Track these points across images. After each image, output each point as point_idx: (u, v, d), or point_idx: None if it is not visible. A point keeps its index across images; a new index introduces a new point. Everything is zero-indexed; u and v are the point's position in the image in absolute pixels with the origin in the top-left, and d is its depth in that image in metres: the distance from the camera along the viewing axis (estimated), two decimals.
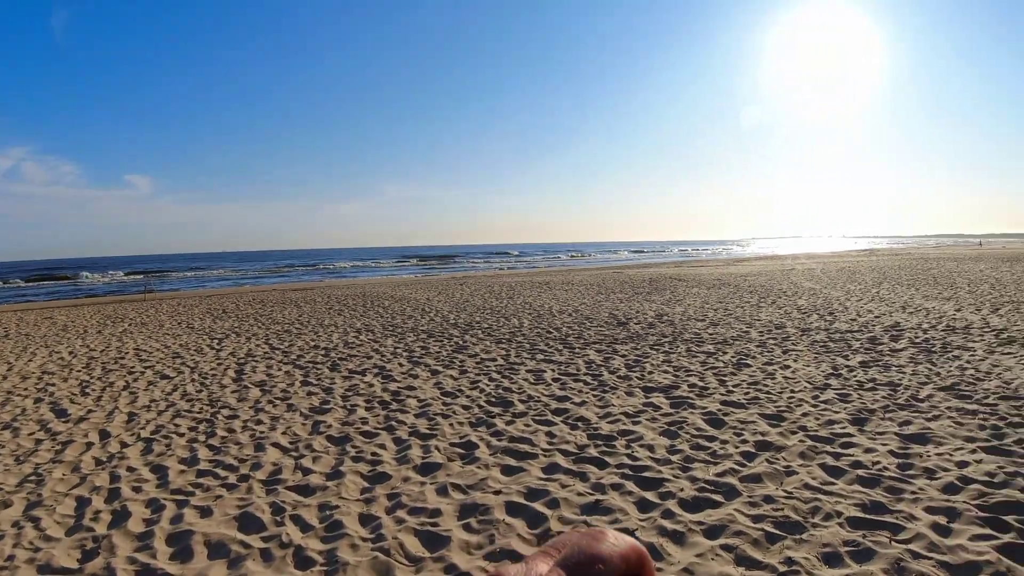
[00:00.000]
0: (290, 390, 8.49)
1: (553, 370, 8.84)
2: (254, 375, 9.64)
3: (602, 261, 66.32)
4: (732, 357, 9.23)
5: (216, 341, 13.23)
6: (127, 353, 12.03)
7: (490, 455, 5.59)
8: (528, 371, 8.86)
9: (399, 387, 8.33)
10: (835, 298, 16.88)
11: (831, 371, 8.11)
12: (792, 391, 7.20)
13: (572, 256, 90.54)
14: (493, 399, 7.46)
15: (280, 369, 10.02)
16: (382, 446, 6.05)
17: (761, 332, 11.39)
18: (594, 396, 7.35)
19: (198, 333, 14.65)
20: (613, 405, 6.91)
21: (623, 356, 9.61)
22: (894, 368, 8.14)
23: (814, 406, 6.58)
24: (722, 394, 7.18)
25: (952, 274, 24.50)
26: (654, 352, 9.86)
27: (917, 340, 10.02)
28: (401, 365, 9.76)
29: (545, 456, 5.45)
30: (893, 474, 4.69)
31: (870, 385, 7.32)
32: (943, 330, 10.91)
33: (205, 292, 32.09)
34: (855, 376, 7.79)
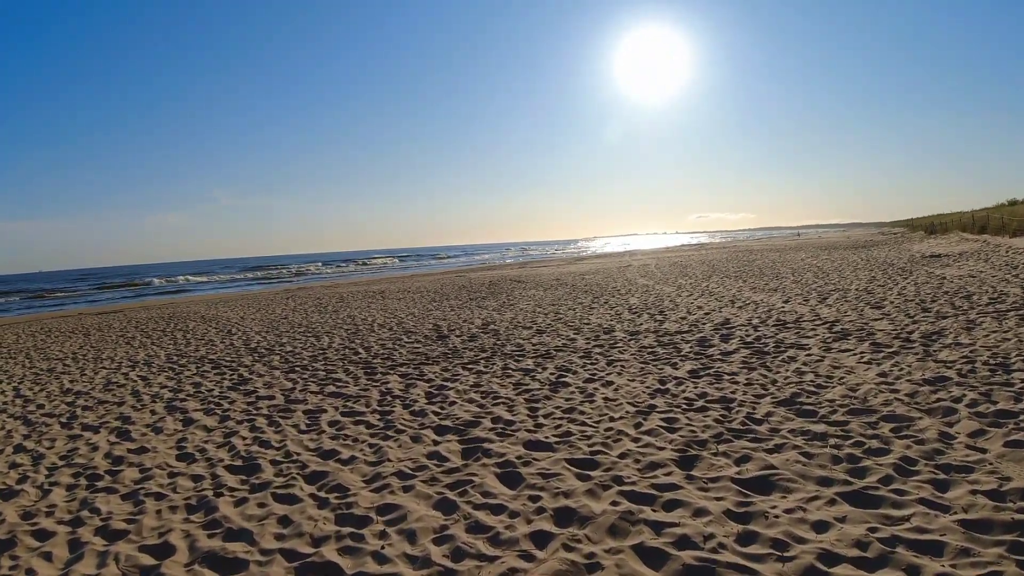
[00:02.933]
0: None
1: (337, 408, 7.03)
2: None
3: (453, 264, 64.58)
4: (551, 374, 7.79)
5: None
6: None
7: (184, 568, 3.75)
8: (305, 412, 7.00)
9: (129, 449, 6.23)
10: (666, 294, 16.10)
11: (658, 386, 6.81)
12: (612, 418, 5.78)
13: (438, 259, 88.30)
14: (239, 461, 5.55)
15: (2, 428, 7.64)
16: (47, 556, 4.06)
17: (588, 339, 10.09)
18: (371, 446, 5.60)
19: None
20: (389, 460, 5.18)
21: (428, 381, 7.94)
22: (726, 377, 6.97)
23: (635, 440, 5.17)
24: (529, 430, 5.65)
25: (776, 264, 24.81)
26: (465, 373, 8.27)
27: (748, 339, 9.03)
28: (153, 413, 7.62)
29: (260, 564, 3.66)
30: (732, 558, 3.27)
31: (700, 403, 6.03)
32: (774, 325, 10.05)
33: None
34: (684, 391, 6.52)
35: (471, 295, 20.07)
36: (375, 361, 9.58)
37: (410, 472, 4.86)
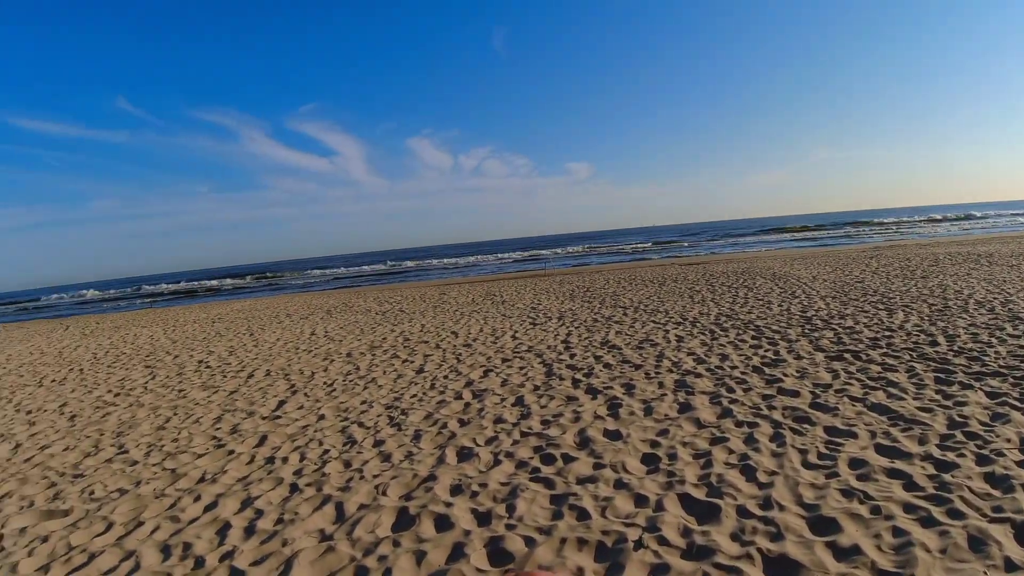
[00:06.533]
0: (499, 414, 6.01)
1: (874, 434, 4.60)
2: (496, 376, 7.45)
3: None
4: None
5: (513, 321, 11.28)
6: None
7: None
8: (826, 429, 4.78)
9: (606, 430, 5.17)
10: None
11: None
12: None
13: None
14: (703, 490, 3.87)
15: (509, 384, 7.60)
16: None
17: None
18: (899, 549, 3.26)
19: (491, 313, 12.92)
20: None
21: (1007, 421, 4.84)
22: None
23: None
24: None
25: None
26: None
27: None
28: (660, 386, 6.47)
29: None
30: None
31: None
32: None
33: (593, 268, 31.11)
34: None
35: None
36: (956, 361, 6.55)
37: None
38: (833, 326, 9.01)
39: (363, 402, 6.96)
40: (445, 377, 7.79)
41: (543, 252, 61.17)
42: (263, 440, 5.88)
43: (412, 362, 8.92)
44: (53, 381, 10.24)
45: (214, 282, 59.22)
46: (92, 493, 4.88)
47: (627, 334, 9.64)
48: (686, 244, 56.28)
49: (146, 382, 9.33)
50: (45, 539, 4.09)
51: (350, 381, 8.08)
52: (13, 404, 8.60)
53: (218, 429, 6.41)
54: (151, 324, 19.54)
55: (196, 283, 61.67)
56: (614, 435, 5.08)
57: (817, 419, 5.06)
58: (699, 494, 3.84)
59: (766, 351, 7.73)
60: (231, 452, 5.61)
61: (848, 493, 3.71)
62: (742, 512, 3.57)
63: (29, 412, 8.01)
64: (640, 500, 3.83)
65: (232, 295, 40.33)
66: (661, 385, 6.52)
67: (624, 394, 6.27)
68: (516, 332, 10.78)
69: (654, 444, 4.80)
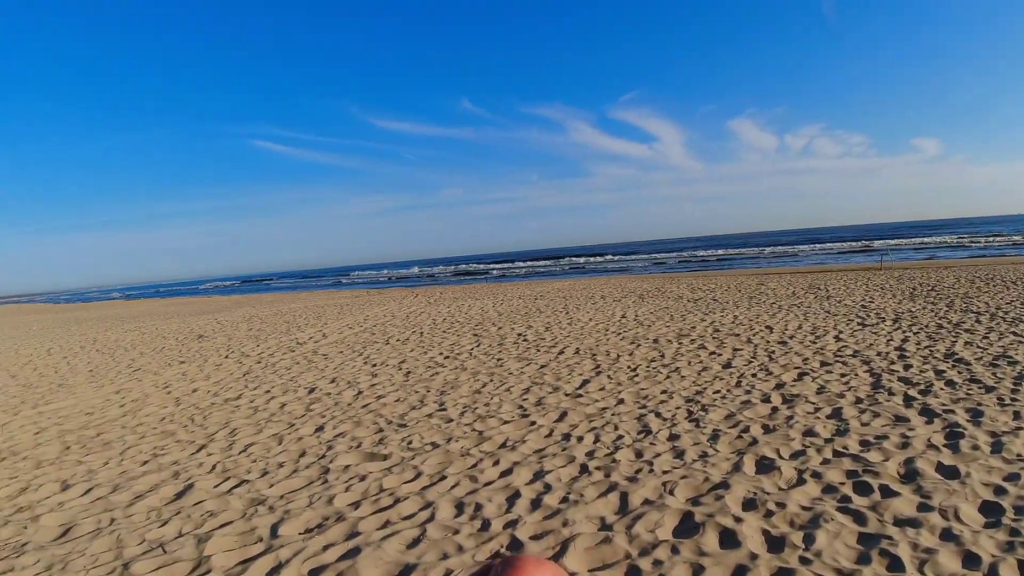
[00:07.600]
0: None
1: None
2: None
3: None
4: None
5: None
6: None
7: None
8: None
9: (939, 466, 4.38)
10: None
11: None
12: None
13: None
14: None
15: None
16: None
17: None
18: None
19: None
20: None
21: None
22: None
23: None
24: None
25: None
26: None
27: None
28: (1014, 423, 5.29)
29: None
30: None
31: None
32: None
33: (941, 263, 26.71)
34: None
35: None
36: None
37: None
38: None
39: (663, 391, 6.85)
40: (753, 375, 7.33)
41: (879, 242, 54.66)
42: (563, 416, 6.11)
43: (719, 355, 8.56)
44: (398, 340, 11.99)
45: (540, 262, 64.11)
46: (410, 443, 5.57)
47: (979, 346, 8.12)
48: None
49: (471, 349, 10.37)
50: (363, 478, 4.79)
51: (653, 368, 8.02)
52: (363, 357, 10.28)
53: (525, 399, 6.83)
54: (483, 297, 21.78)
55: (522, 263, 67.60)
56: (950, 472, 4.28)
57: None
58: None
59: None
60: (533, 423, 5.92)
61: None
62: None
63: (374, 365, 9.50)
64: (970, 560, 3.16)
65: (554, 275, 43.04)
66: (1018, 416, 5.33)
67: (968, 421, 5.27)
68: (841, 332, 9.74)
69: (999, 491, 3.93)
